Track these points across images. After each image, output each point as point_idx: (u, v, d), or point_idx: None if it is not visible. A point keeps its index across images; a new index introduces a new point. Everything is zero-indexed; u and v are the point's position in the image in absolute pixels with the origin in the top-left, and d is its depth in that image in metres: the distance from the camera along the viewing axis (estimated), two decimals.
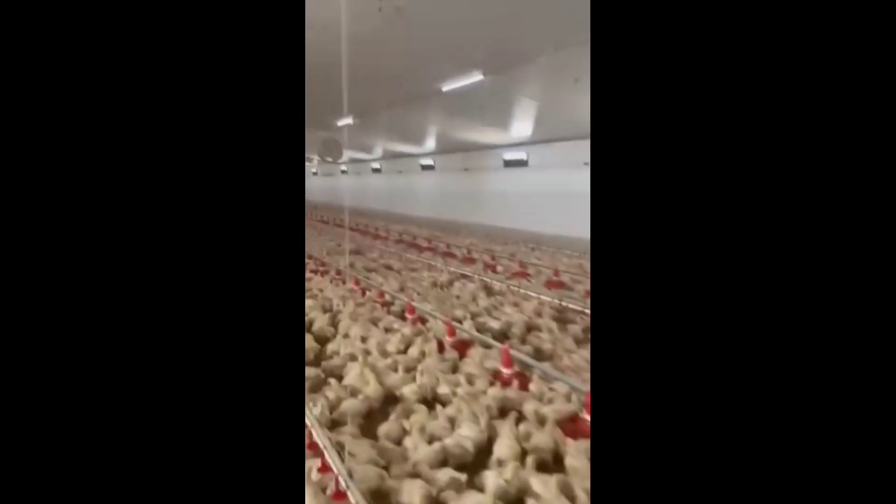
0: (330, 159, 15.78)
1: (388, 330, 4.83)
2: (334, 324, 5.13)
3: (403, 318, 5.29)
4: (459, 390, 3.42)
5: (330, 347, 4.42)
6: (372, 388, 3.42)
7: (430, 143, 16.37)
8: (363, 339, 4.54)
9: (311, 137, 15.81)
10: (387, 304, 5.89)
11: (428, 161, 18.45)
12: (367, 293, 6.40)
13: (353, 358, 4.08)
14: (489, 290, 6.78)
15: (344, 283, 7.11)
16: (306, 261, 8.79)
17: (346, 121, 13.24)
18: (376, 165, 22.62)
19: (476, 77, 7.80)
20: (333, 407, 3.18)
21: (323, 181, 30.44)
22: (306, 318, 5.18)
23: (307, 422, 2.82)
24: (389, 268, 8.41)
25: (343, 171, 26.58)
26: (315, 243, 11.13)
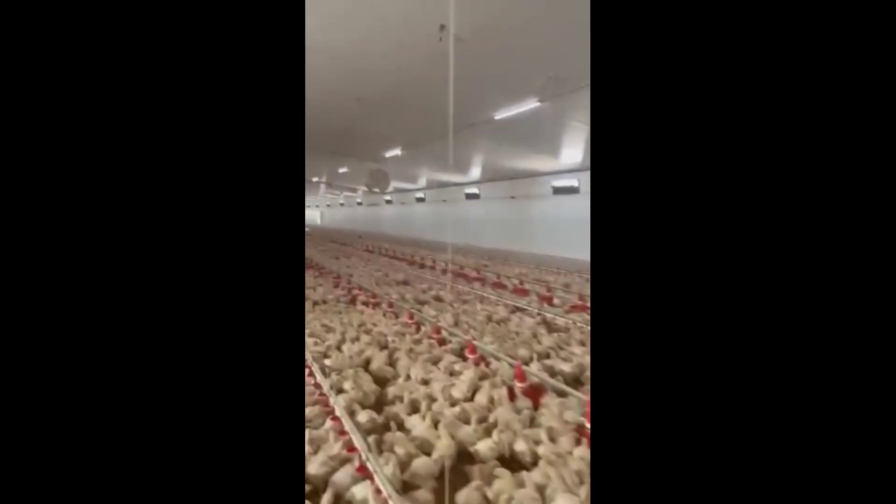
0: (377, 190, 16.03)
1: (451, 373, 4.49)
2: (392, 362, 4.87)
3: (463, 357, 4.95)
4: (541, 449, 3.02)
5: (391, 391, 4.12)
6: (444, 444, 3.08)
7: (476, 172, 16.30)
8: (425, 382, 4.23)
9: (360, 168, 16.19)
10: (443, 342, 5.57)
11: (473, 190, 18.40)
12: (422, 328, 6.13)
13: (415, 405, 3.77)
14: (549, 326, 6.34)
15: (397, 316, 6.89)
16: (357, 292, 8.68)
17: (395, 152, 13.43)
18: (420, 195, 22.85)
19: (532, 104, 7.60)
20: (404, 466, 2.86)
21: (367, 210, 31.12)
22: (363, 356, 4.96)
23: (380, 487, 2.51)
24: (440, 300, 8.14)
25: (388, 201, 27.05)
26: (363, 273, 11.07)
